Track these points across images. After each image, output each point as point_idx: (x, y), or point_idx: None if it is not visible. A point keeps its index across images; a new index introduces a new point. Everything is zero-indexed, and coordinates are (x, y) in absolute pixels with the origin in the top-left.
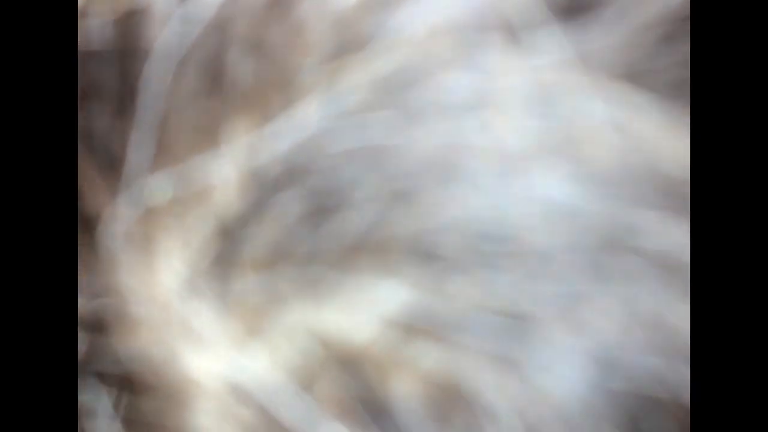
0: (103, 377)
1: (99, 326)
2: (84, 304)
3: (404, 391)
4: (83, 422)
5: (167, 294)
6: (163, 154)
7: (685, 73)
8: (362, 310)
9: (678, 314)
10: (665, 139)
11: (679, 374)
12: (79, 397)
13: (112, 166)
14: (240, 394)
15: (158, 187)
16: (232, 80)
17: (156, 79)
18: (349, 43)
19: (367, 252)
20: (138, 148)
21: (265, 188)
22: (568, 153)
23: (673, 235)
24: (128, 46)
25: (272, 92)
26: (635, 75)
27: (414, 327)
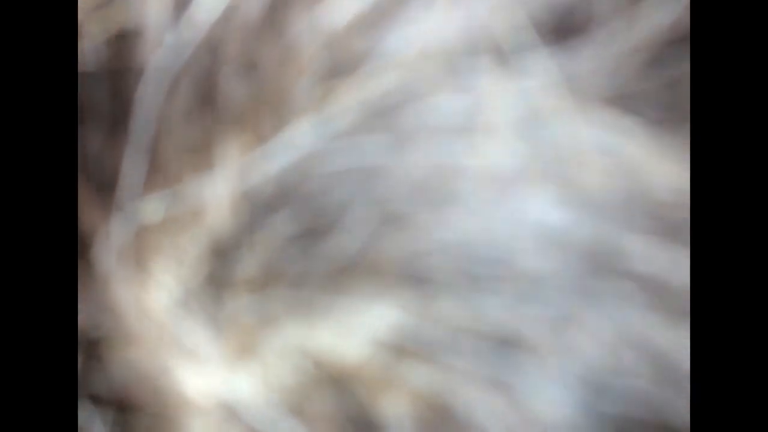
0: (96, 396)
1: (93, 345)
2: (78, 323)
3: (395, 411)
4: None
5: (161, 313)
6: (156, 174)
7: (674, 96)
8: (354, 331)
9: (667, 337)
10: (654, 163)
11: (669, 397)
12: None
13: (106, 185)
14: (232, 412)
15: (151, 207)
16: (224, 100)
17: (149, 99)
18: (341, 65)
19: (359, 274)
20: (131, 168)
21: (258, 209)
22: (557, 176)
23: (662, 259)
24: (121, 66)
25: (265, 112)
26: (623, 98)
27: (405, 348)
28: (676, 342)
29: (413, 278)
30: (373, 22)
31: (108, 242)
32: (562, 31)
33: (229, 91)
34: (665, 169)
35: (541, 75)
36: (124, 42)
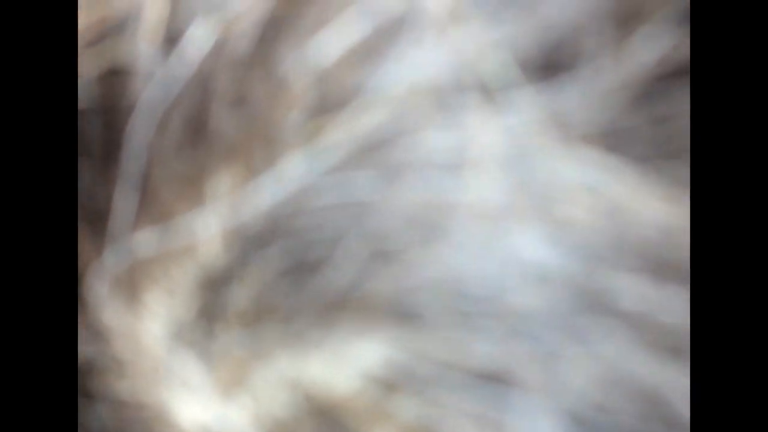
0: (89, 426)
1: (85, 376)
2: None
3: None
4: None
5: (153, 345)
6: (148, 208)
7: (661, 132)
8: (344, 365)
9: (655, 374)
10: (641, 201)
11: None
12: None
13: (98, 219)
14: None
15: (144, 241)
16: (215, 135)
17: (140, 133)
18: (331, 100)
19: (349, 309)
20: (123, 201)
21: (249, 243)
22: (545, 213)
23: (649, 297)
24: (113, 102)
25: (255, 147)
26: (611, 135)
27: (394, 382)
28: (665, 379)
29: (403, 314)
30: (363, 58)
31: (100, 275)
32: (549, 67)
33: (219, 126)
34: (653, 206)
35: (527, 111)
36: (115, 78)
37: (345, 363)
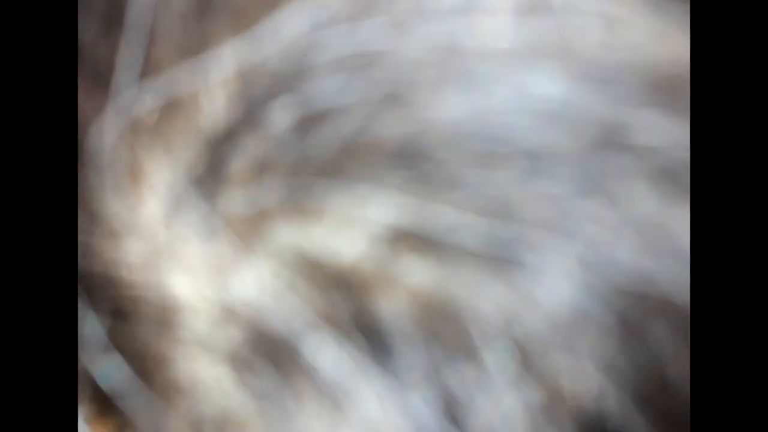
0: (93, 307)
1: (85, 251)
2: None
3: (393, 305)
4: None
5: (154, 218)
6: (151, 69)
7: None
8: (351, 225)
9: (671, 215)
10: (658, 36)
11: (672, 275)
12: None
13: (101, 75)
14: (228, 313)
15: (145, 100)
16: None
17: None
18: None
19: (357, 157)
20: (125, 62)
21: (254, 97)
22: (558, 52)
23: (668, 133)
24: None
25: (261, 2)
26: None
27: (403, 235)
28: (677, 216)
29: (412, 158)
30: None
31: (102, 137)
32: None
33: None
34: (670, 41)
35: None
36: None
37: (351, 222)
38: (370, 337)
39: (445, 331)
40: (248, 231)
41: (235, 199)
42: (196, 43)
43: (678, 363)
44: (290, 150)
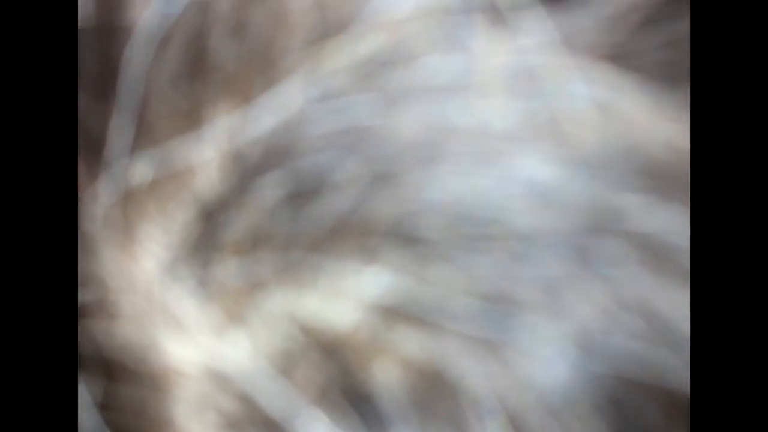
0: (84, 365)
1: (80, 314)
2: None
3: (386, 377)
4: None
5: (148, 280)
6: (144, 135)
7: (671, 54)
8: (343, 296)
9: (662, 298)
10: (649, 121)
11: (663, 359)
12: None
13: (93, 146)
14: (220, 381)
15: (139, 168)
16: (214, 62)
17: (137, 59)
18: (331, 25)
19: (348, 234)
20: (119, 128)
21: (247, 171)
22: (551, 135)
23: (658, 219)
24: (109, 24)
25: (254, 74)
26: (619, 56)
27: (396, 311)
28: (673, 302)
29: (404, 239)
30: None
31: (95, 205)
32: None
33: (218, 53)
34: (662, 126)
35: (536, 33)
36: (113, 1)
37: (344, 293)
38: (363, 411)
39: (439, 408)
40: (242, 299)
41: (229, 269)
42: (190, 108)
43: None
44: (283, 224)
